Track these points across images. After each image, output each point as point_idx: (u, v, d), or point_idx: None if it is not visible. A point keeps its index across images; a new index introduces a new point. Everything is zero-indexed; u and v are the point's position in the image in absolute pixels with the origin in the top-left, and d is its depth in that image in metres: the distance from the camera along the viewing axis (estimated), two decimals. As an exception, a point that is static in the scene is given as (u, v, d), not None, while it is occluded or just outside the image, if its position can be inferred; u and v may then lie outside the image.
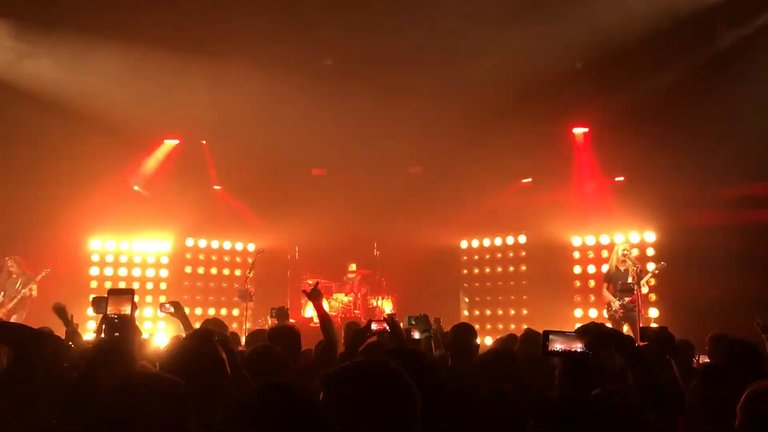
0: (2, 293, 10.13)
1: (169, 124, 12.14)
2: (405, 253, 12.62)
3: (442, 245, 13.24)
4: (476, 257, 13.52)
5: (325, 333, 4.76)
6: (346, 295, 12.46)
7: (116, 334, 3.81)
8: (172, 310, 5.64)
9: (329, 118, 11.75)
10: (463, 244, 13.57)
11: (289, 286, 12.70)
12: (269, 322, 9.42)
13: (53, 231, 11.39)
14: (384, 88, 11.59)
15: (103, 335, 3.94)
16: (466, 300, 13.48)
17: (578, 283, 12.05)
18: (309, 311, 12.33)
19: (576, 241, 12.23)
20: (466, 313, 13.24)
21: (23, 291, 10.06)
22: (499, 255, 13.21)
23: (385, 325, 4.96)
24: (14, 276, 10.33)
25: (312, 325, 12.02)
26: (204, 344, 3.03)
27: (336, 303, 12.40)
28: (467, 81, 11.21)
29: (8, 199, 11.21)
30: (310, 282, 12.50)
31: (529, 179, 12.82)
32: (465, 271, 13.60)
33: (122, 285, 11.89)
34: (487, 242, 13.31)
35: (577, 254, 12.18)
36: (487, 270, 13.37)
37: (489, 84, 10.87)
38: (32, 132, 11.19)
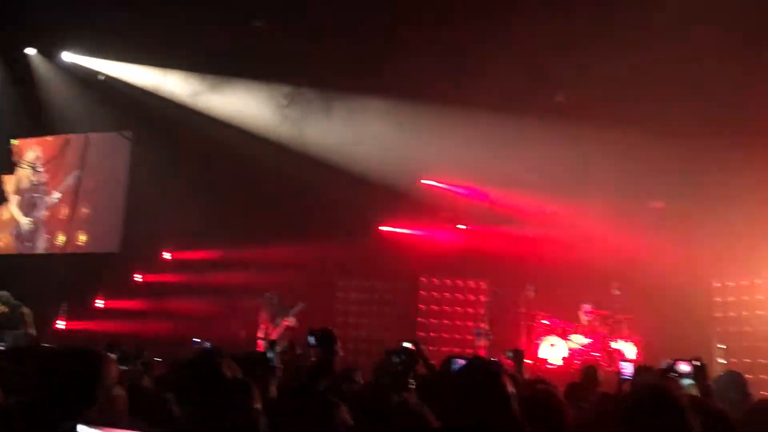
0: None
1: (419, 170, 12.83)
2: (649, 294, 11.78)
3: (691, 285, 12.15)
4: (731, 298, 12.23)
5: None
6: (586, 337, 11.95)
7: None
8: (412, 347, 5.85)
9: (565, 155, 11.57)
10: (716, 284, 12.36)
11: (523, 325, 12.48)
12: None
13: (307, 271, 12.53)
14: (619, 118, 11.19)
15: None
16: (721, 346, 12.19)
17: None
18: (544, 351, 12.02)
19: None
20: (721, 360, 11.96)
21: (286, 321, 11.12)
22: (759, 296, 11.79)
23: None
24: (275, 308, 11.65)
25: (548, 366, 11.73)
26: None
27: (573, 344, 11.94)
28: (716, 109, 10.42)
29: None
30: (545, 322, 12.25)
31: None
32: (719, 314, 12.35)
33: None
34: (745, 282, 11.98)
35: None
36: (744, 313, 12.01)
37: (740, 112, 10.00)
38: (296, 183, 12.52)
